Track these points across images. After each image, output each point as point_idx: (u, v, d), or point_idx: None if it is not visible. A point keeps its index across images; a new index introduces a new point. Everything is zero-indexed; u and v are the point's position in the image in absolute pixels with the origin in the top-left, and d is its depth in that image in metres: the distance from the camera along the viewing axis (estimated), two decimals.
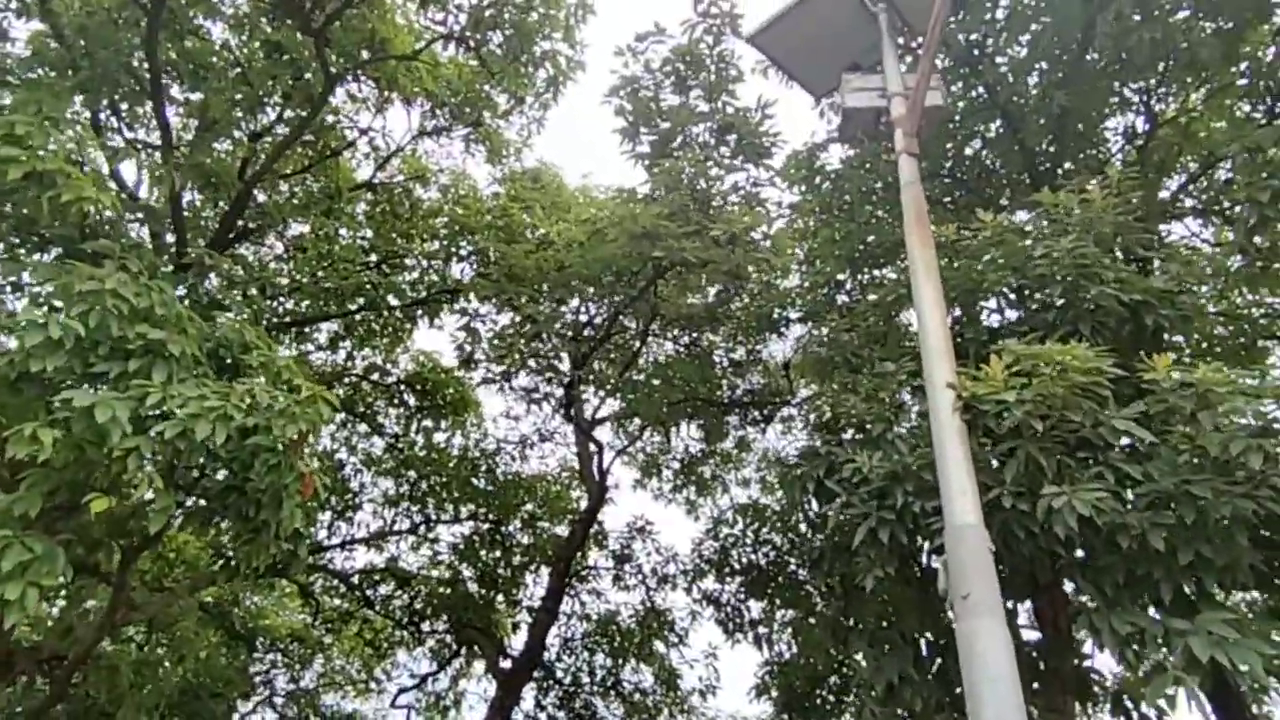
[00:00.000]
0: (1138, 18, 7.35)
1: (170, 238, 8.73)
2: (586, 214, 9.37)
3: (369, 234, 12.21)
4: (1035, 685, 4.94)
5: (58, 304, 4.92)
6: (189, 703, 10.81)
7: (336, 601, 14.94)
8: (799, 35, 6.81)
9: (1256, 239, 4.98)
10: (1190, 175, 10.18)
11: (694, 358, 11.48)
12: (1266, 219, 4.92)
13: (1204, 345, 9.89)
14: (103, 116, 9.01)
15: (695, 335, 11.45)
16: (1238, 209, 5.97)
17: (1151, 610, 4.10)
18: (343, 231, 12.23)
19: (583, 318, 9.64)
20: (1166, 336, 5.20)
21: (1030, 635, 5.49)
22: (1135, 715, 4.83)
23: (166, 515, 4.89)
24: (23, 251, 7.16)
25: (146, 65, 7.60)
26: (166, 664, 9.98)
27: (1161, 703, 3.80)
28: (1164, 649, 3.63)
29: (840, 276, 9.95)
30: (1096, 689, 5.15)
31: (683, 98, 7.57)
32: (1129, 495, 4.15)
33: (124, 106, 9.36)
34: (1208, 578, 3.76)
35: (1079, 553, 4.37)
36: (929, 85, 5.69)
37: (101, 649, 9.32)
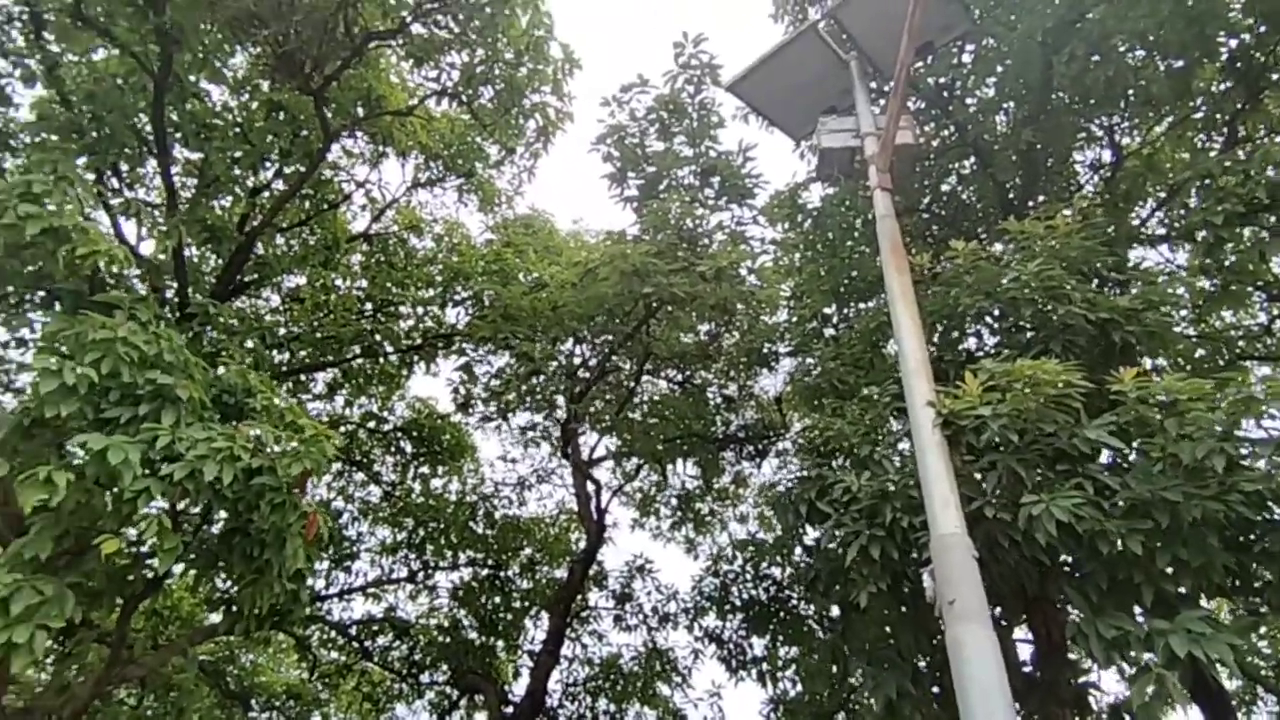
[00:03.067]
0: (1097, 58, 7.81)
1: (170, 292, 8.97)
2: (578, 257, 9.66)
3: (365, 283, 12.47)
4: (1031, 701, 5.01)
5: (67, 352, 5.08)
6: None
7: (334, 654, 14.73)
8: (776, 82, 7.19)
9: (1208, 260, 5.26)
10: (1158, 203, 10.60)
11: (688, 395, 11.66)
12: (1221, 240, 5.21)
13: (1185, 365, 10.17)
14: (105, 176, 9.33)
15: (688, 372, 11.65)
16: (1199, 234, 6.28)
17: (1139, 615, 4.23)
18: (339, 282, 12.51)
19: (577, 359, 9.85)
20: (1140, 355, 5.43)
21: (1027, 652, 5.58)
22: None
23: (174, 556, 4.97)
24: (29, 306, 7.37)
25: (150, 128, 7.93)
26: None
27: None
28: (1147, 651, 3.75)
29: (827, 310, 10.24)
30: (1093, 704, 5.21)
31: (667, 143, 7.93)
32: (1109, 504, 4.31)
33: (125, 167, 9.69)
34: (1185, 580, 3.91)
35: (1065, 563, 4.51)
36: (899, 125, 6.04)
37: (97, 706, 9.19)
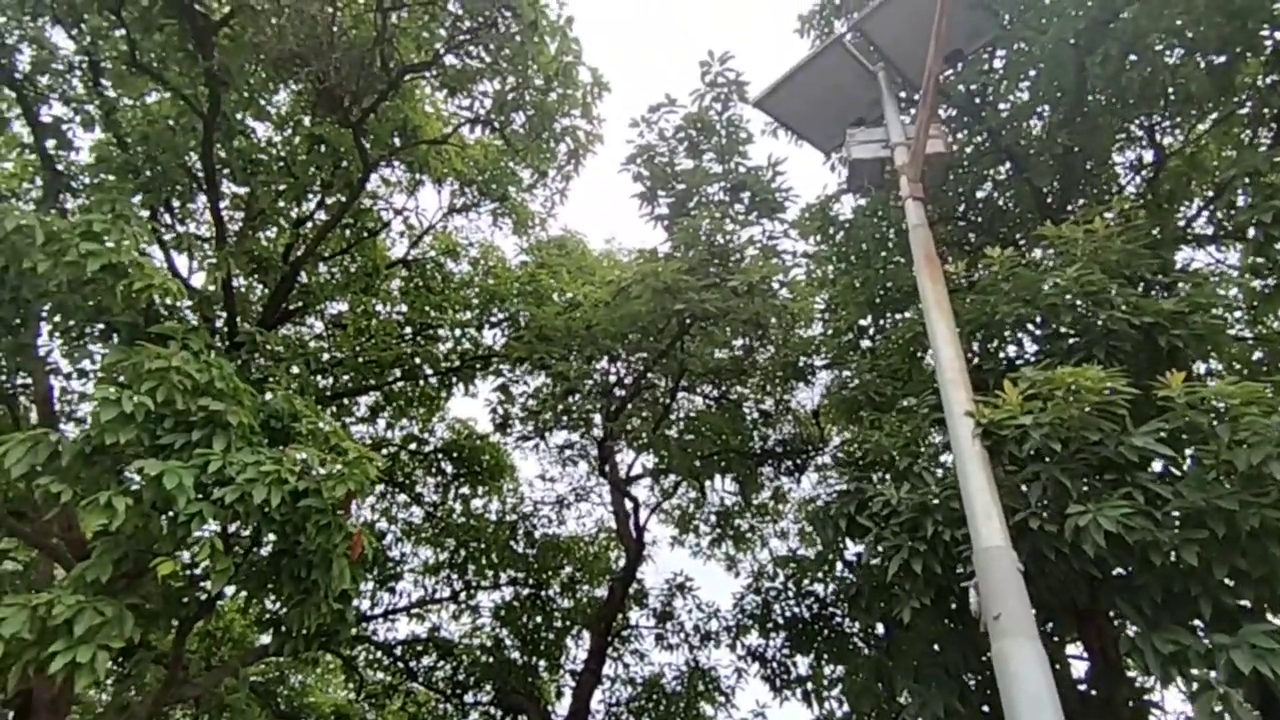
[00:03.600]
0: (1134, 57, 7.65)
1: (220, 320, 9.32)
2: (611, 275, 9.76)
3: (404, 308, 12.77)
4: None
5: (125, 382, 5.32)
6: None
7: (380, 675, 14.92)
8: (804, 96, 7.21)
9: (1260, 259, 5.09)
10: (1205, 202, 10.29)
11: (724, 410, 11.62)
12: (1272, 238, 5.04)
13: (1239, 369, 9.82)
14: (158, 212, 9.76)
15: (724, 388, 11.62)
16: (1249, 232, 6.08)
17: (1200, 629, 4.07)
18: (379, 307, 12.83)
19: (612, 376, 9.91)
20: (1189, 359, 5.26)
21: (1083, 668, 5.40)
22: None
23: (225, 577, 5.13)
24: (88, 339, 7.72)
25: (200, 165, 8.30)
26: None
27: None
28: (1209, 667, 3.61)
29: (862, 322, 10.14)
30: None
31: (696, 160, 8.00)
32: (1161, 514, 4.17)
33: (176, 203, 10.13)
34: (1246, 592, 3.75)
35: (1119, 574, 4.37)
36: (928, 133, 6.01)
37: None
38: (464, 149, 10.84)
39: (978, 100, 9.49)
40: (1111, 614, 4.64)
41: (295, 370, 9.17)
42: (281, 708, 14.42)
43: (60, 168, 8.41)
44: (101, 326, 7.16)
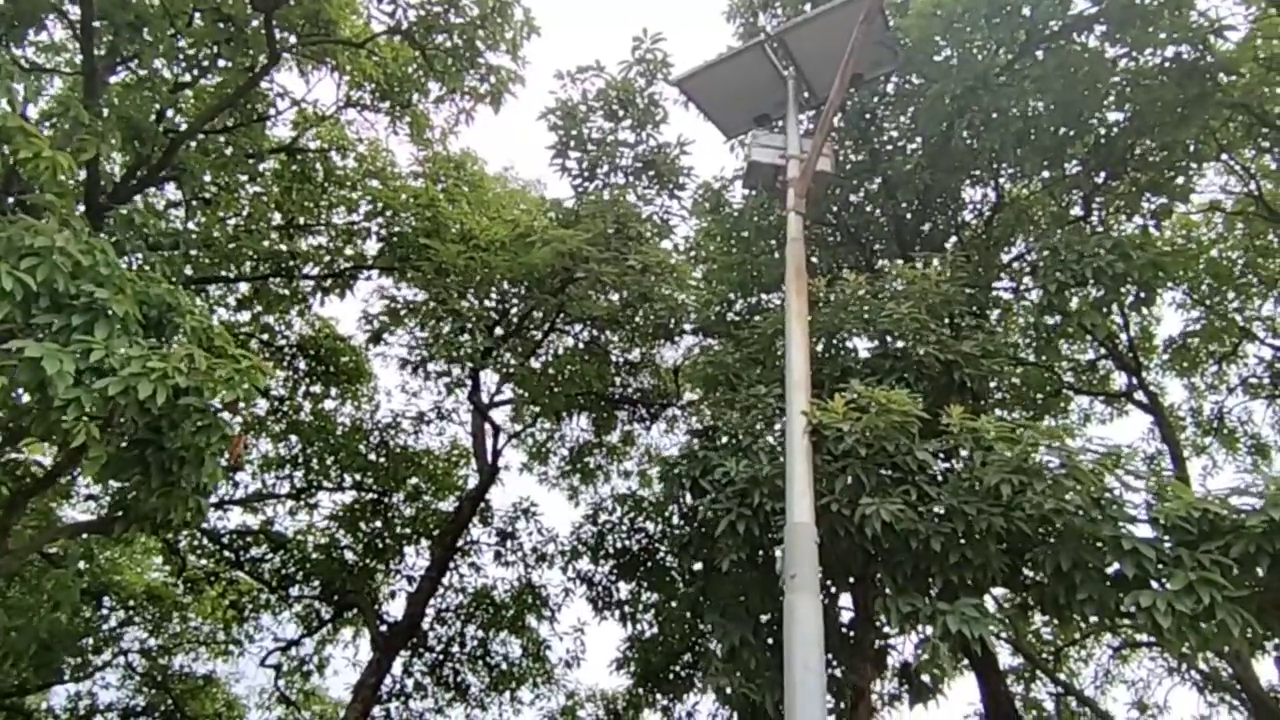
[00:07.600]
0: (995, 115, 8.88)
1: (73, 182, 8.57)
2: (510, 214, 9.97)
3: (276, 191, 12.10)
4: (843, 655, 6.19)
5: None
6: (41, 653, 10.54)
7: (203, 561, 14.66)
8: (720, 85, 7.83)
9: (1045, 316, 6.45)
10: (1027, 246, 12.13)
11: (592, 354, 12.31)
12: (1052, 303, 6.39)
13: (1021, 388, 11.88)
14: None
15: (596, 334, 12.27)
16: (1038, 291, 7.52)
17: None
18: (251, 188, 12.10)
19: (495, 313, 10.22)
20: (975, 392, 6.60)
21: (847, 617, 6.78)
22: (916, 682, 6.18)
23: (99, 464, 5.19)
24: None
25: (79, 11, 7.51)
26: (43, 610, 9.76)
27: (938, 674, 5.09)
28: (932, 625, 4.88)
29: (731, 296, 11.17)
30: (891, 661, 6.50)
31: (612, 124, 8.38)
32: (925, 510, 5.40)
33: (30, 33, 9.02)
34: (966, 573, 5.06)
35: (884, 550, 5.61)
36: (820, 154, 6.83)
37: None
38: (374, 46, 10.38)
39: (867, 116, 10.54)
40: (876, 579, 5.93)
41: (153, 244, 8.69)
42: (86, 584, 13.84)
43: None
44: None
